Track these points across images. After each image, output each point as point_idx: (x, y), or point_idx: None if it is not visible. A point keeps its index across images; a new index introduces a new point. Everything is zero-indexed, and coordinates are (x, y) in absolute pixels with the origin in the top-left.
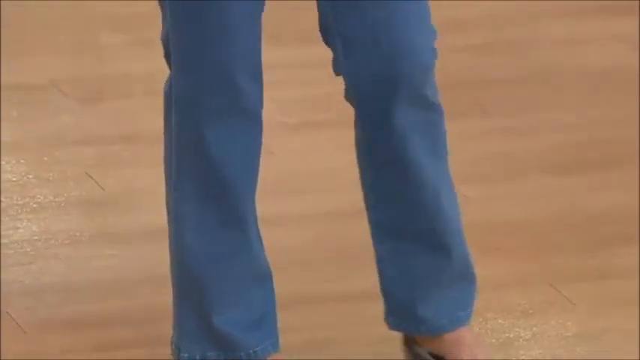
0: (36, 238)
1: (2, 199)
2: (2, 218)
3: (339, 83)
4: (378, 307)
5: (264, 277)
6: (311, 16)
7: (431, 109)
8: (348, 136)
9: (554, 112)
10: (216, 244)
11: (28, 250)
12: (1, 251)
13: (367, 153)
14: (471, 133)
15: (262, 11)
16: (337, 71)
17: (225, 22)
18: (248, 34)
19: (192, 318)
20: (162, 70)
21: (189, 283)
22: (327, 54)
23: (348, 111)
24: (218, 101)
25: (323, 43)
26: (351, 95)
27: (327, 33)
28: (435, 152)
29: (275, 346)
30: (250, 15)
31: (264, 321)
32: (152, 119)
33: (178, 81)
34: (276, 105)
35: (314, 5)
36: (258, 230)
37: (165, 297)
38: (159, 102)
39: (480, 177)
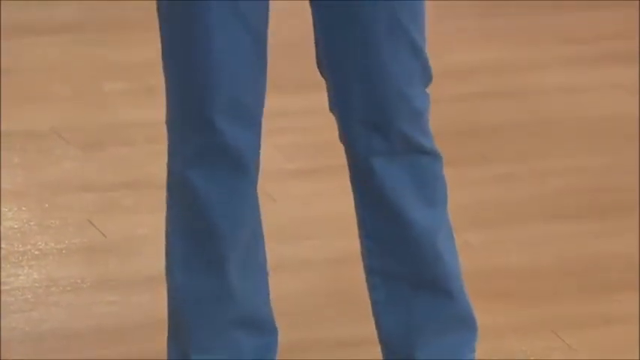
0: (37, 285)
1: (3, 246)
2: (3, 265)
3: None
4: (379, 353)
5: (256, 325)
6: (311, 64)
7: (423, 155)
8: (348, 182)
9: (555, 159)
10: (200, 284)
11: (29, 297)
12: (2, 298)
13: (358, 197)
14: (472, 179)
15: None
16: (331, 110)
17: (207, 61)
18: (234, 77)
19: (177, 355)
20: (163, 119)
21: (175, 320)
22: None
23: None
24: (197, 141)
25: (323, 91)
26: (341, 137)
27: (322, 68)
28: (428, 198)
29: None
30: (237, 58)
31: None
32: (153, 166)
33: (167, 111)
34: (278, 151)
35: (311, 55)
36: (258, 278)
37: (165, 343)
38: (160, 149)
39: (481, 223)
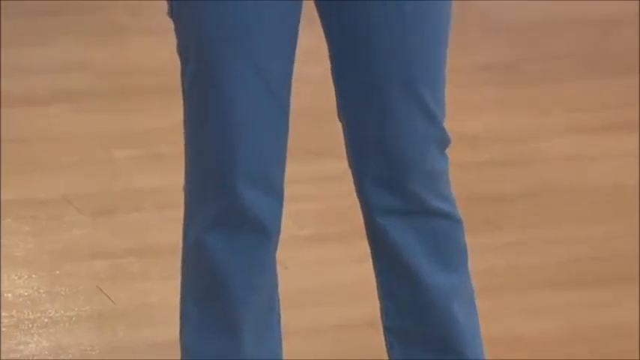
0: (47, 353)
1: (13, 314)
2: (13, 333)
3: (351, 197)
4: None
5: None
6: (322, 132)
7: (438, 217)
8: (360, 248)
9: (563, 227)
10: (214, 348)
11: None
12: None
13: (375, 256)
14: (479, 246)
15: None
16: (350, 166)
17: (231, 127)
18: (255, 141)
19: None
20: (172, 185)
21: None
22: (339, 169)
23: (360, 224)
24: (218, 207)
25: (333, 158)
26: (357, 193)
27: (341, 119)
28: (444, 262)
29: None
30: (260, 124)
31: None
32: (163, 233)
33: (187, 176)
34: (289, 218)
35: (324, 121)
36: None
37: None
38: (170, 216)
39: (491, 291)
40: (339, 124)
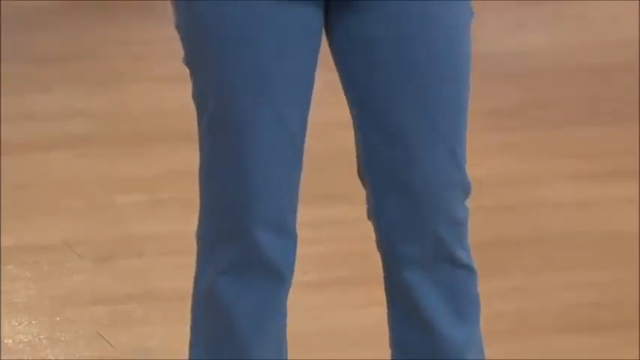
0: None
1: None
2: None
3: (354, 242)
4: None
5: None
6: (323, 178)
7: (458, 268)
8: (364, 293)
9: (566, 273)
10: None
11: None
12: None
13: (390, 306)
14: (484, 292)
15: (299, 170)
16: (369, 217)
17: (249, 172)
18: (273, 185)
19: None
20: (173, 231)
21: None
22: (341, 214)
23: (363, 269)
24: (233, 251)
25: (335, 203)
26: (378, 245)
27: (362, 176)
28: (459, 314)
29: None
30: (278, 168)
31: None
32: (164, 279)
33: (201, 221)
34: None
35: (326, 168)
36: None
37: None
38: (171, 261)
39: (495, 336)
40: (343, 169)
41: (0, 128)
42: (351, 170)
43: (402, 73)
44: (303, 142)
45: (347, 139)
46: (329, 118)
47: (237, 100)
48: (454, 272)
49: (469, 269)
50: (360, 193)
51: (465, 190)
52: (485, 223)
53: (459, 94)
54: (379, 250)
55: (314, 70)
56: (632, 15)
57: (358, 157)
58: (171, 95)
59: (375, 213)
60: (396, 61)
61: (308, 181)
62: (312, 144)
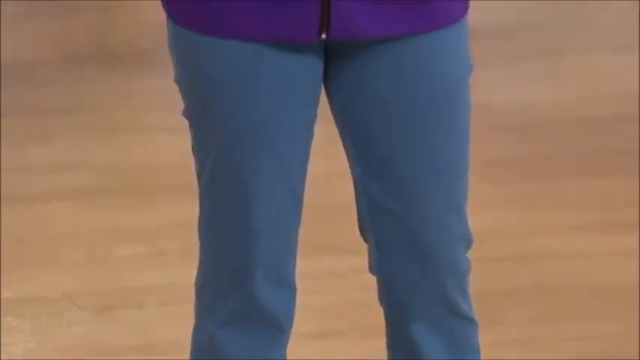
0: None
1: None
2: None
3: (353, 293)
4: None
5: None
6: (321, 229)
7: (461, 320)
8: (363, 344)
9: (566, 324)
10: None
11: None
12: None
13: (392, 356)
14: (485, 343)
15: (298, 223)
16: (372, 271)
17: (250, 227)
18: (273, 239)
19: None
20: (174, 282)
21: None
22: (338, 265)
23: (362, 320)
24: (233, 304)
25: (331, 256)
26: (382, 297)
27: (364, 231)
28: None
29: None
30: (279, 223)
31: None
32: (164, 330)
33: (200, 272)
34: None
35: (324, 219)
36: None
37: None
38: (171, 312)
39: None
40: (342, 220)
41: (0, 180)
42: (350, 221)
43: (404, 127)
44: (302, 194)
45: (345, 190)
46: (327, 170)
47: (237, 155)
48: (457, 324)
49: (471, 320)
50: (358, 244)
51: (468, 242)
52: (485, 274)
53: (461, 147)
54: (381, 303)
55: (314, 123)
56: (633, 69)
57: (359, 211)
58: (171, 147)
59: (379, 267)
60: (398, 117)
61: (307, 232)
62: (311, 195)
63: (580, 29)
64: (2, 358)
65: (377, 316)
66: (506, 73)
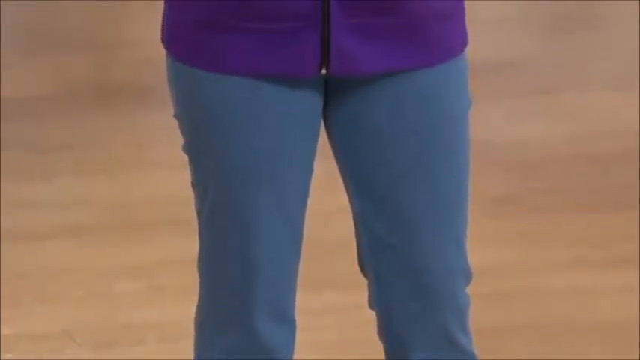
0: None
1: None
2: None
3: (352, 328)
4: None
5: None
6: (321, 264)
7: (462, 354)
8: None
9: None
10: None
11: None
12: None
13: None
14: None
15: (298, 258)
16: (371, 306)
17: (251, 263)
18: (273, 275)
19: None
20: (173, 318)
21: None
22: (338, 300)
23: (362, 355)
24: (233, 339)
25: (331, 291)
26: (381, 332)
27: (364, 266)
28: None
29: None
30: (280, 259)
31: None
32: None
33: (199, 307)
34: None
35: (324, 254)
36: None
37: None
38: (171, 349)
39: None
40: (339, 255)
41: (0, 216)
42: (350, 256)
43: (403, 162)
44: (302, 230)
45: (344, 225)
46: (327, 205)
47: (237, 192)
48: (456, 358)
49: (471, 355)
50: (358, 279)
51: (467, 277)
52: (484, 310)
53: (461, 182)
54: (381, 337)
55: (313, 158)
56: (632, 105)
57: (359, 246)
58: (171, 183)
59: (379, 302)
60: (398, 151)
61: (307, 267)
62: (311, 230)
63: (579, 66)
64: None
65: (377, 351)
66: (506, 109)
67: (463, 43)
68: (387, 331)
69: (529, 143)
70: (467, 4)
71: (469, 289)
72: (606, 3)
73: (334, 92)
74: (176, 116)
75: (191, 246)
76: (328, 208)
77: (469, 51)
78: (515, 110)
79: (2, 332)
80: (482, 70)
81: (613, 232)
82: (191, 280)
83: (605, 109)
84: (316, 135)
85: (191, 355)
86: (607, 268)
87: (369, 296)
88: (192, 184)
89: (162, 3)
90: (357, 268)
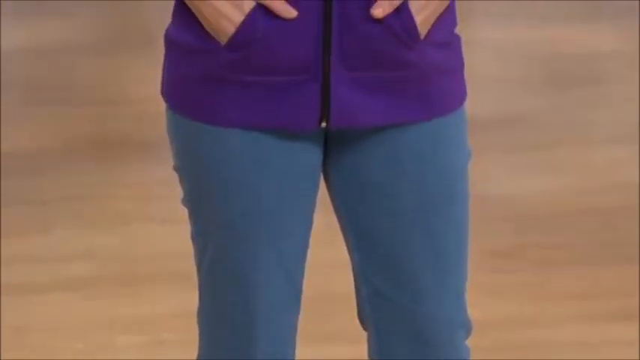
0: None
1: None
2: None
3: None
4: None
5: None
6: (320, 317)
7: None
8: None
9: None
10: None
11: None
12: None
13: None
14: None
15: (298, 312)
16: (371, 358)
17: (250, 314)
18: (273, 328)
19: None
20: None
21: None
22: (338, 353)
23: None
24: None
25: (331, 344)
26: None
27: (363, 319)
28: None
29: None
30: (280, 313)
31: None
32: None
33: (199, 358)
34: None
35: (323, 307)
36: None
37: None
38: None
39: None
40: (338, 309)
41: (0, 270)
42: (350, 310)
43: (402, 216)
44: (301, 283)
45: (344, 278)
46: (326, 258)
47: (236, 247)
48: None
49: None
50: (358, 332)
51: (467, 329)
52: None
53: (460, 235)
54: None
55: (313, 211)
56: (632, 160)
57: (358, 298)
58: (171, 237)
59: (379, 354)
60: (397, 205)
61: (306, 320)
62: (310, 284)
63: (579, 120)
64: None
65: None
66: (506, 163)
67: (462, 96)
68: None
69: (528, 197)
70: (468, 60)
71: (469, 342)
72: (606, 57)
73: (334, 144)
74: (176, 168)
75: (192, 300)
76: (328, 262)
77: (470, 106)
78: (515, 164)
79: None
80: (482, 125)
81: (613, 286)
82: (192, 335)
83: (604, 164)
84: (316, 187)
85: None
86: (608, 322)
87: (369, 348)
88: (192, 236)
89: (162, 58)
90: (357, 321)
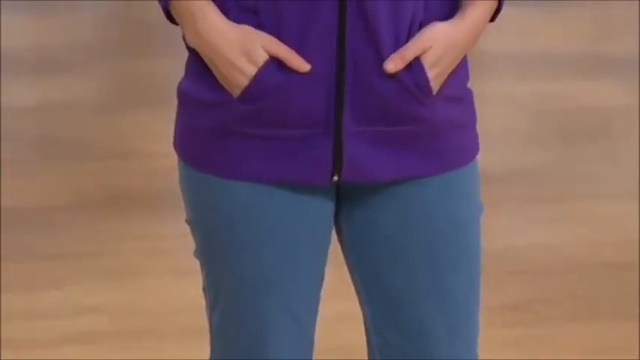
0: None
1: None
2: None
3: None
4: None
5: None
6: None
7: None
8: None
9: None
10: None
11: None
12: None
13: None
14: None
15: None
16: None
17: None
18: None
19: None
20: None
21: None
22: None
23: None
24: None
25: None
26: None
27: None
28: None
29: None
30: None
31: None
32: None
33: None
34: None
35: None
36: None
37: None
38: None
39: None
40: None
41: (1, 326)
42: None
43: (414, 270)
44: (313, 337)
45: (356, 331)
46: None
47: (248, 299)
48: None
49: None
50: None
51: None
52: None
53: (471, 290)
54: None
55: (325, 264)
56: (633, 215)
57: (369, 351)
58: (183, 291)
59: None
60: (408, 259)
61: None
62: (320, 337)
63: (582, 176)
64: None
65: None
66: (511, 219)
67: (475, 150)
68: None
69: (535, 252)
70: (480, 115)
71: None
72: (612, 113)
73: (345, 197)
74: (188, 221)
75: (203, 354)
76: (341, 315)
77: (481, 160)
78: (522, 219)
79: None
80: (492, 179)
81: (615, 341)
82: None
83: (608, 218)
84: (327, 241)
85: None
86: None
87: None
88: (204, 288)
89: (171, 114)
90: None
